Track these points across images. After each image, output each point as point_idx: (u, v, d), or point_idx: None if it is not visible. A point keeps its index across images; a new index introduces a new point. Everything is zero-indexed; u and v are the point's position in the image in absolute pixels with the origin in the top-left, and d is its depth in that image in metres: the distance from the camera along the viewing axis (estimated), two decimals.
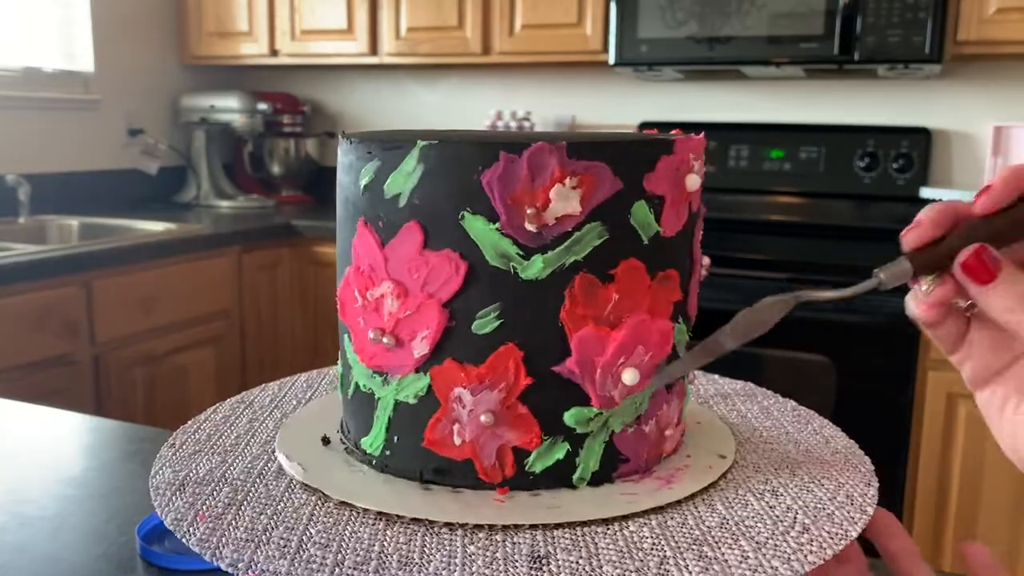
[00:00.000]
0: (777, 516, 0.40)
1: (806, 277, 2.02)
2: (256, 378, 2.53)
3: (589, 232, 0.40)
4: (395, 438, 0.43)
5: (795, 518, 0.40)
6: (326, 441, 0.48)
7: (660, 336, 0.42)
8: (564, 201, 0.39)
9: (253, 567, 0.35)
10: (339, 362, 0.48)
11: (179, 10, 3.03)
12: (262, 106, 3.01)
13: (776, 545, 0.37)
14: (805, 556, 0.36)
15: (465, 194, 0.40)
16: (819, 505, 0.41)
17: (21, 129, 2.57)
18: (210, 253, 2.35)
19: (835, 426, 0.53)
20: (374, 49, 2.78)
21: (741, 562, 0.36)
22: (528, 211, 0.39)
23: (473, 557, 0.36)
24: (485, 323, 0.40)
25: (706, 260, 0.50)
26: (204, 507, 0.40)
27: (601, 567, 0.36)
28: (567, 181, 0.39)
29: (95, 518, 0.74)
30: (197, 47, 3.02)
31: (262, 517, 0.39)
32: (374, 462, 0.45)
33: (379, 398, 0.44)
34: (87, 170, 2.78)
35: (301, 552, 0.36)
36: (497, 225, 0.39)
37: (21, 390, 1.83)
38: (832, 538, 0.38)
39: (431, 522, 0.39)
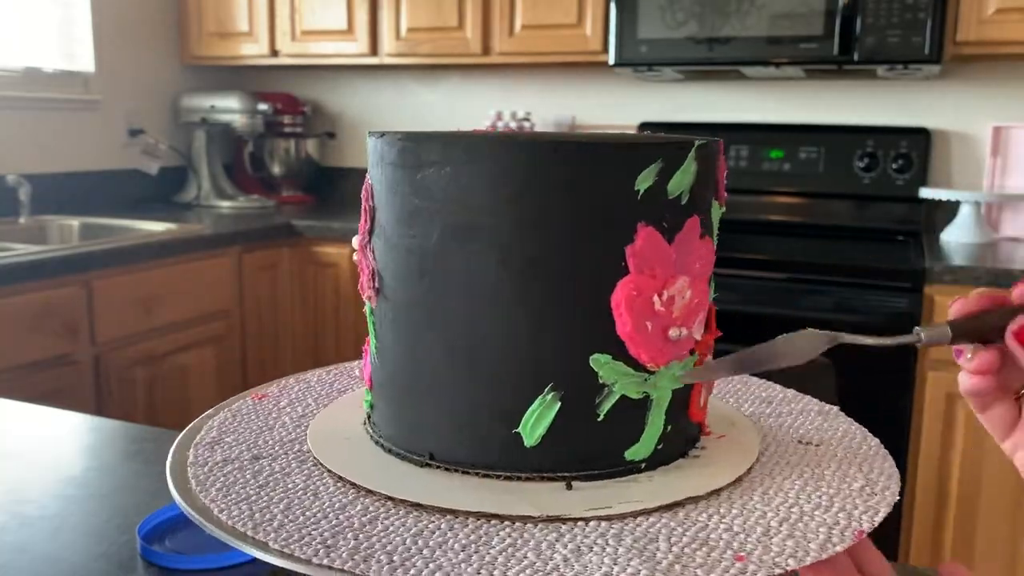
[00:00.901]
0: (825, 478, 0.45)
1: (806, 277, 2.03)
2: (256, 378, 2.53)
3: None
4: (668, 428, 0.45)
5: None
6: (569, 486, 0.44)
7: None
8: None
9: None
10: (548, 398, 0.43)
11: (179, 10, 3.04)
12: (262, 106, 3.01)
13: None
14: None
15: (712, 185, 0.46)
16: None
17: (21, 129, 2.57)
18: (210, 253, 2.36)
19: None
20: (374, 49, 2.79)
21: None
22: (724, 194, 0.47)
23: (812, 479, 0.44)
24: (712, 290, 0.47)
25: None
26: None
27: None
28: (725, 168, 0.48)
29: (95, 518, 0.74)
30: (197, 47, 3.02)
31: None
32: (644, 465, 0.45)
33: (655, 399, 0.44)
34: (87, 170, 2.78)
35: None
36: (723, 209, 0.47)
37: (21, 390, 1.83)
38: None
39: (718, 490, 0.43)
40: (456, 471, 0.44)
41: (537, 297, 0.42)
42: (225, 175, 3.10)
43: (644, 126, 2.75)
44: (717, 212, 0.47)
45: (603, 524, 0.39)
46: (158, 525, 0.71)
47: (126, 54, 2.89)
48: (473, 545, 0.37)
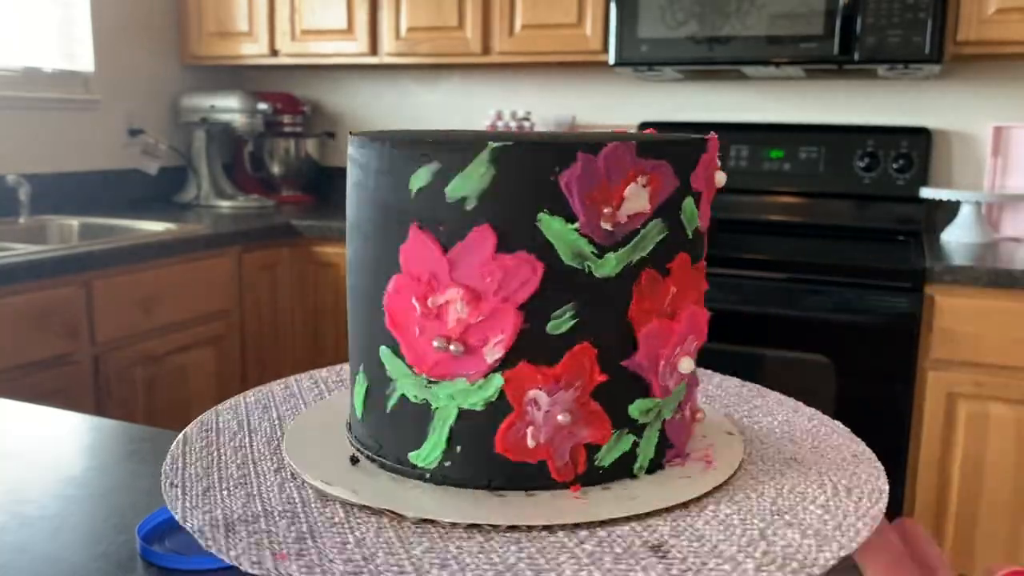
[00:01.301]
0: (814, 481, 0.43)
1: (806, 277, 2.03)
2: (256, 378, 2.53)
3: (653, 228, 0.42)
4: (457, 448, 0.42)
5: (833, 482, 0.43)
6: (355, 460, 0.45)
7: (704, 323, 0.45)
8: (636, 199, 0.41)
9: None
10: (360, 375, 0.46)
11: (179, 10, 3.04)
12: (262, 106, 3.01)
13: (837, 505, 0.40)
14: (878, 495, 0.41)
15: (541, 195, 0.40)
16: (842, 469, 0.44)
17: (21, 129, 2.57)
18: (210, 253, 2.36)
19: (824, 416, 0.54)
20: (374, 49, 2.79)
21: (824, 523, 0.39)
22: (605, 210, 0.40)
23: (597, 556, 0.36)
24: (560, 323, 0.41)
25: None
26: (275, 546, 0.37)
27: (715, 546, 0.37)
28: (639, 179, 0.40)
29: (95, 518, 0.74)
30: (197, 47, 3.02)
31: (351, 548, 0.37)
32: (428, 475, 0.43)
33: (436, 408, 0.42)
34: (87, 170, 2.78)
35: None
36: (575, 225, 0.40)
37: (21, 390, 1.83)
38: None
39: (529, 527, 0.38)
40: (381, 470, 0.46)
41: (353, 288, 0.46)
42: (225, 175, 3.10)
43: (644, 126, 2.75)
44: (563, 229, 0.40)
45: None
46: (158, 525, 0.71)
47: (126, 54, 2.89)
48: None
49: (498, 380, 0.41)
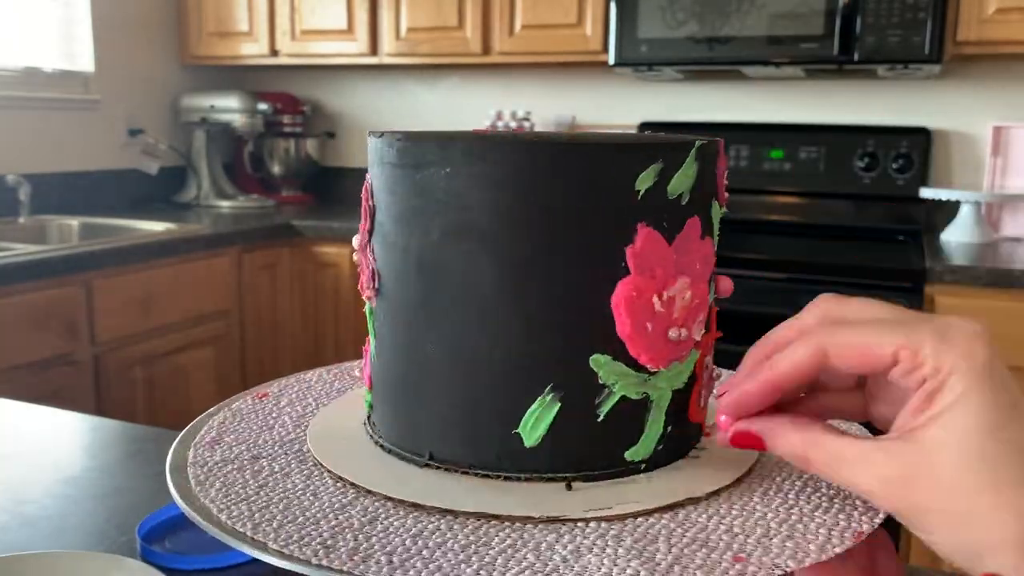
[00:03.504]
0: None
1: (806, 277, 2.03)
2: (256, 378, 2.53)
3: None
4: (669, 429, 0.45)
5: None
6: (569, 486, 0.44)
7: None
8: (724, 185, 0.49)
9: None
10: (547, 398, 0.43)
11: (179, 10, 3.04)
12: (262, 106, 3.01)
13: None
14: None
15: (712, 185, 0.46)
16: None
17: (21, 129, 2.57)
18: (210, 253, 2.36)
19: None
20: (374, 49, 2.79)
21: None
22: (725, 194, 0.47)
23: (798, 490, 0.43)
24: (711, 294, 0.46)
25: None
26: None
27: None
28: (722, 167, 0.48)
29: (95, 518, 0.74)
30: (197, 47, 3.02)
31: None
32: (644, 466, 0.44)
33: (654, 399, 0.44)
34: (87, 170, 2.78)
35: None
36: (724, 209, 0.47)
37: (21, 390, 1.83)
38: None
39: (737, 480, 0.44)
40: (455, 471, 0.44)
41: (533, 298, 0.42)
42: (225, 175, 3.10)
43: (644, 126, 2.75)
44: (718, 212, 0.47)
45: (603, 525, 0.39)
46: (158, 525, 0.71)
47: (126, 54, 2.89)
48: (473, 546, 0.37)
49: (695, 355, 0.45)
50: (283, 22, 2.88)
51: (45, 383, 1.90)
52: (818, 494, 0.43)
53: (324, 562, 0.36)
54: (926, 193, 2.32)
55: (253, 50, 2.94)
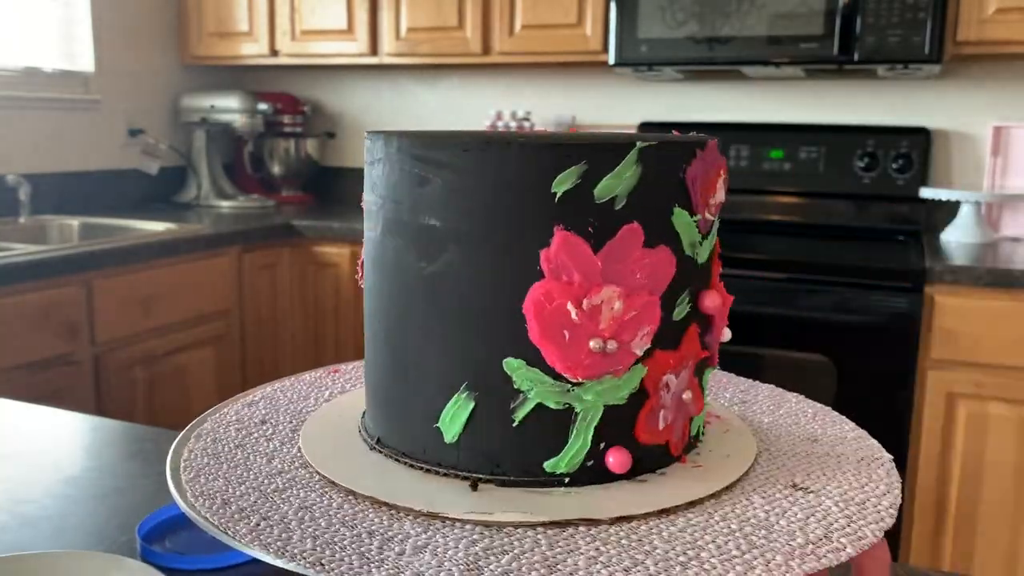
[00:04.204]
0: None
1: (806, 277, 2.03)
2: (256, 378, 2.54)
3: (718, 218, 0.46)
4: (601, 445, 0.43)
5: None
6: (475, 486, 0.43)
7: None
8: (720, 191, 0.45)
9: None
10: (462, 396, 0.43)
11: (179, 10, 3.04)
12: (262, 106, 3.01)
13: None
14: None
15: (674, 190, 0.43)
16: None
17: (21, 129, 2.57)
18: (210, 253, 2.36)
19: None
20: (374, 49, 2.79)
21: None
22: (711, 201, 0.44)
23: (765, 511, 0.41)
24: (681, 309, 0.44)
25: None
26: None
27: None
28: (722, 173, 0.45)
29: (95, 518, 0.74)
30: (197, 47, 3.02)
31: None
32: (569, 479, 0.43)
33: (580, 411, 0.42)
34: (87, 170, 2.78)
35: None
36: (696, 217, 0.44)
37: (21, 390, 1.83)
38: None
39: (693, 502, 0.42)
40: (396, 459, 0.45)
41: (452, 297, 0.42)
42: (225, 175, 3.10)
43: (644, 126, 2.75)
44: (688, 222, 0.43)
45: (476, 529, 0.39)
46: (158, 525, 0.71)
47: (126, 54, 2.89)
48: (337, 526, 0.39)
49: (640, 371, 0.43)
50: (283, 22, 2.88)
51: (45, 383, 1.90)
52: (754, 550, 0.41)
53: (320, 562, 0.36)
54: (926, 193, 2.32)
55: (253, 50, 2.94)
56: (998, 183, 2.41)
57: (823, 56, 2.20)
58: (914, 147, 2.43)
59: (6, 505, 0.76)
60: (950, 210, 2.45)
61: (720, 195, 0.45)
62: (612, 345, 0.41)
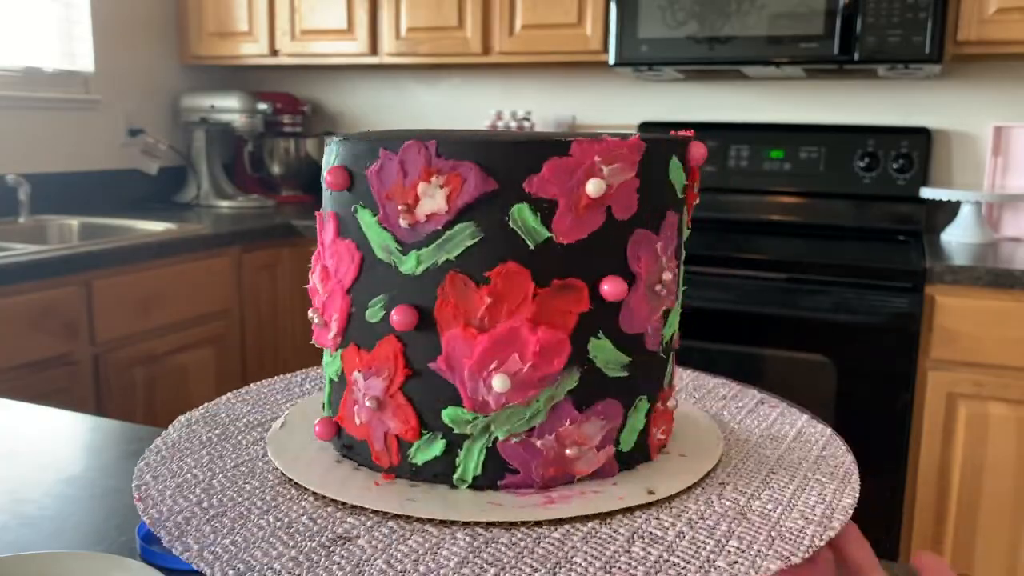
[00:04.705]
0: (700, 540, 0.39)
1: (806, 277, 2.03)
2: (256, 378, 2.53)
3: (460, 232, 0.40)
4: (327, 414, 0.48)
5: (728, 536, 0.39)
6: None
7: (544, 347, 0.40)
8: (431, 199, 0.40)
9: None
10: None
11: (179, 10, 3.03)
12: (262, 106, 3.01)
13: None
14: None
15: (358, 189, 0.42)
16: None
17: (21, 129, 2.57)
18: (210, 253, 2.35)
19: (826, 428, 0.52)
20: (374, 49, 2.79)
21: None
22: (400, 207, 0.40)
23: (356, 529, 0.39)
24: (375, 312, 0.43)
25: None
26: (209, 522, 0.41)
27: (439, 562, 0.36)
28: (433, 179, 0.40)
29: (95, 518, 0.74)
30: (197, 47, 3.02)
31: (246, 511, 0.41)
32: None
33: (328, 379, 0.47)
34: (87, 170, 2.78)
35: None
36: (378, 219, 0.42)
37: (21, 390, 1.83)
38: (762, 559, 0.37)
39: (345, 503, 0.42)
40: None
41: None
42: (225, 175, 3.09)
43: (644, 126, 2.75)
44: (373, 223, 0.42)
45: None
46: None
47: (126, 54, 2.89)
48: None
49: (339, 356, 0.45)
50: (283, 22, 2.88)
51: (45, 383, 1.90)
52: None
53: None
54: (926, 193, 2.32)
55: (253, 50, 2.94)
56: (998, 183, 2.41)
57: (823, 56, 2.20)
58: (914, 147, 2.43)
59: (6, 505, 0.76)
60: (950, 210, 2.45)
61: (431, 203, 0.40)
62: (319, 320, 0.46)
